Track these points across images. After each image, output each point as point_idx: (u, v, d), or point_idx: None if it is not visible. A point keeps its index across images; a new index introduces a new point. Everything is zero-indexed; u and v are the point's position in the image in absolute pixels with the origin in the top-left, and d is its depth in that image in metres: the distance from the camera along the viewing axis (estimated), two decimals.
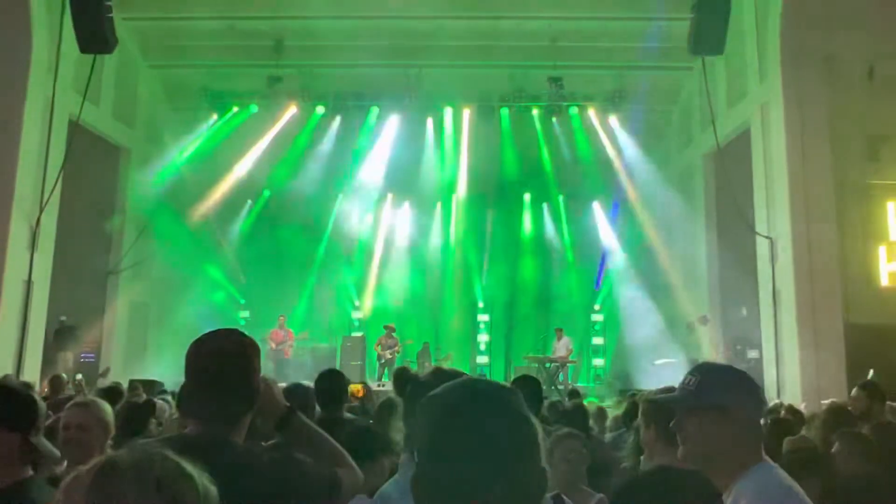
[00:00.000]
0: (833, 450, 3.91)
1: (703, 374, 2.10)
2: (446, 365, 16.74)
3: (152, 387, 10.28)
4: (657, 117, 17.48)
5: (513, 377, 15.54)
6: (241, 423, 1.99)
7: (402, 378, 2.11)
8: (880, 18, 11.99)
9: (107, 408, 3.27)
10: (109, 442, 3.20)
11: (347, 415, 4.75)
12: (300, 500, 1.94)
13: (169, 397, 7.84)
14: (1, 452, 2.23)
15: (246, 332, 2.16)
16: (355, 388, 6.87)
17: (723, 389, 2.06)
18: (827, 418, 4.86)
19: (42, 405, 2.48)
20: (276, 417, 2.13)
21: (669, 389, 2.50)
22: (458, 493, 1.11)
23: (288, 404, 2.19)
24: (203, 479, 1.32)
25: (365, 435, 3.13)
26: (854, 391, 5.65)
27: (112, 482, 1.21)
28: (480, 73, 15.90)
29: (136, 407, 4.82)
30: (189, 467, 1.30)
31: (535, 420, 1.20)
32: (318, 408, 4.23)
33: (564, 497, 1.97)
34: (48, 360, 12.84)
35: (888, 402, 6.38)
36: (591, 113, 16.34)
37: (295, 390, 4.04)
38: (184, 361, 1.97)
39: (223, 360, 1.96)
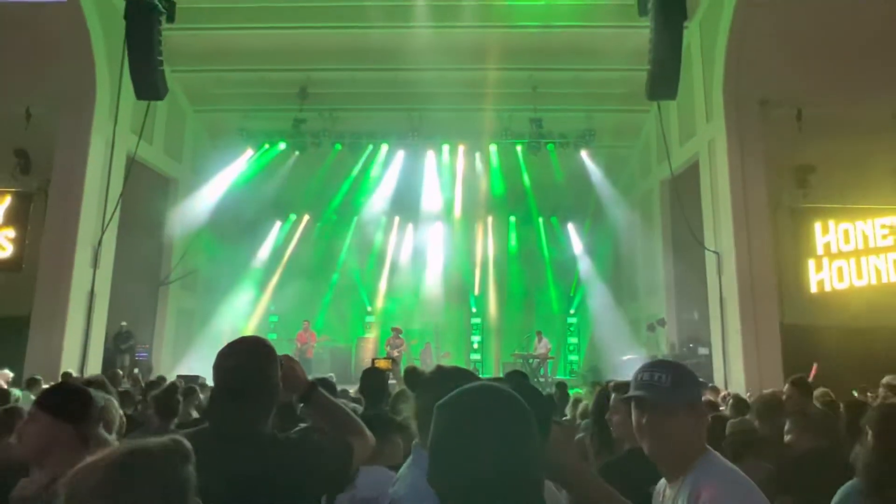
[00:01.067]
0: (785, 429, 3.85)
1: (674, 372, 1.84)
2: (445, 362, 16.72)
3: (196, 381, 10.26)
4: (621, 151, 17.53)
5: (502, 372, 15.59)
6: (264, 423, 1.96)
7: (412, 375, 2.11)
8: (806, 70, 12.12)
9: None
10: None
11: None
12: (319, 474, 1.96)
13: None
14: (58, 441, 2.20)
15: (265, 336, 2.18)
16: (384, 363, 6.78)
17: (692, 386, 1.83)
18: (759, 407, 4.81)
19: (98, 398, 2.45)
20: (300, 392, 2.11)
21: (626, 385, 2.20)
22: (470, 486, 1.11)
23: (311, 381, 2.18)
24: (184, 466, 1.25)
25: (376, 419, 3.13)
26: (786, 388, 5.58)
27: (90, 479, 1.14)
28: (473, 115, 15.96)
29: (167, 392, 4.75)
30: (173, 457, 1.23)
31: (534, 424, 1.19)
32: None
33: None
34: (108, 359, 12.84)
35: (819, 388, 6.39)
36: (566, 148, 16.43)
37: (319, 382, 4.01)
38: None
39: (243, 372, 1.91)
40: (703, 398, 1.87)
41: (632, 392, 1.85)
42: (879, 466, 2.33)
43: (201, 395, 6.59)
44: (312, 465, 1.94)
